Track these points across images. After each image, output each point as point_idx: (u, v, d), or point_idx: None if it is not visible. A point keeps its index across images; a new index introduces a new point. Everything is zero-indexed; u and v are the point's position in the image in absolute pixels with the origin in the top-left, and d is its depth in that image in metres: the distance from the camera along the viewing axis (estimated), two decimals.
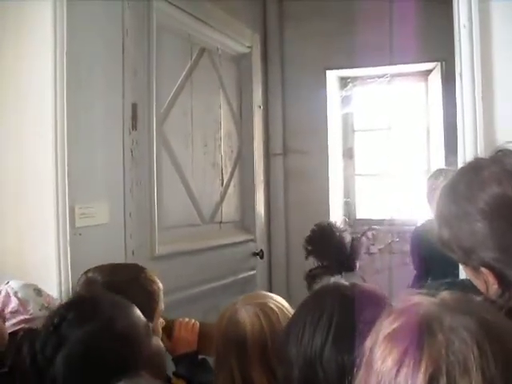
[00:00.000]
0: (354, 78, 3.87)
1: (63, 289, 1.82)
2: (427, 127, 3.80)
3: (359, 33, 3.30)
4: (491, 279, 0.93)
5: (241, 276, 3.16)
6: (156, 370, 1.14)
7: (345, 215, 3.84)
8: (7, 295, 1.49)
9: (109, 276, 1.51)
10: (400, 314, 0.67)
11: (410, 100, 3.89)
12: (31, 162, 1.89)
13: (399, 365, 0.61)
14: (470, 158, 1.14)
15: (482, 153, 1.12)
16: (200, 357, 1.62)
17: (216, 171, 3.04)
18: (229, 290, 2.89)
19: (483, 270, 0.94)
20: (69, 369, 1.00)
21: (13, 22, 1.91)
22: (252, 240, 3.34)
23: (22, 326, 1.40)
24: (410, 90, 3.90)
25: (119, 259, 1.99)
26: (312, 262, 2.39)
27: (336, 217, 3.46)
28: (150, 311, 1.39)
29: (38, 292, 1.54)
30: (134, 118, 2.26)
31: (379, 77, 3.74)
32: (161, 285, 1.56)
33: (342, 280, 1.79)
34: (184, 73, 2.75)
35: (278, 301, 1.35)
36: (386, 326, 0.66)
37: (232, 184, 3.20)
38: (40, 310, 1.48)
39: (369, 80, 3.81)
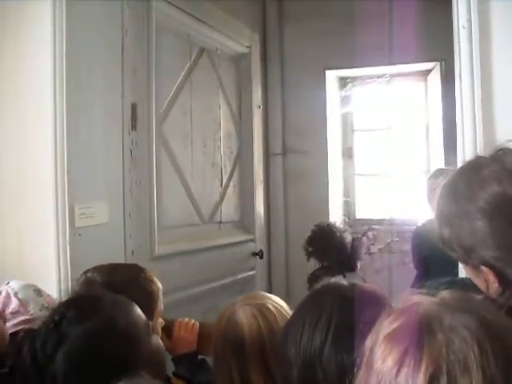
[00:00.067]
0: (354, 78, 3.87)
1: (63, 288, 1.82)
2: (427, 127, 3.80)
3: (359, 33, 3.30)
4: (491, 278, 0.93)
5: (240, 276, 3.16)
6: (156, 368, 1.14)
7: (344, 215, 3.84)
8: (7, 296, 1.49)
9: (108, 276, 1.51)
10: (400, 313, 0.67)
11: (409, 100, 3.89)
12: (31, 162, 1.89)
13: (399, 364, 0.61)
14: (469, 157, 1.14)
15: (481, 152, 1.11)
16: (199, 357, 1.62)
17: (215, 171, 3.04)
18: (228, 290, 2.89)
19: (483, 268, 0.94)
20: (69, 366, 1.00)
21: (12, 22, 1.91)
22: (251, 240, 3.34)
23: (23, 326, 1.40)
24: (409, 90, 3.90)
25: (119, 259, 1.99)
26: (313, 263, 2.40)
27: (335, 217, 3.47)
28: (149, 311, 1.39)
29: (38, 292, 1.54)
30: (134, 118, 2.26)
31: (379, 77, 3.74)
32: (160, 285, 1.56)
33: (342, 280, 1.79)
34: (183, 73, 2.75)
35: (276, 301, 1.35)
36: (386, 325, 0.66)
37: (231, 184, 3.20)
38: (40, 310, 1.48)
39: (368, 80, 3.81)
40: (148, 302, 1.46)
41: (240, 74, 3.34)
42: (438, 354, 0.59)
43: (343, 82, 3.89)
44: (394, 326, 0.65)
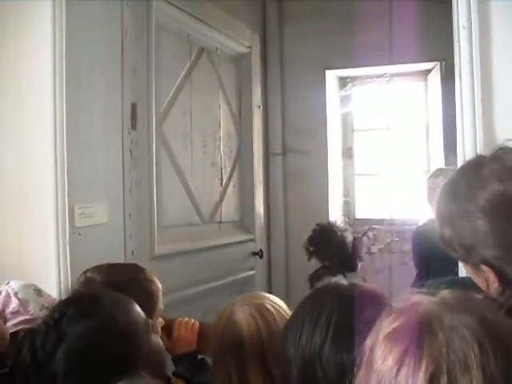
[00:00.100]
0: (354, 78, 3.87)
1: (63, 288, 1.82)
2: (427, 127, 3.80)
3: (359, 33, 3.30)
4: (492, 277, 0.93)
5: (240, 276, 3.16)
6: (156, 366, 1.14)
7: (344, 215, 3.84)
8: (7, 296, 1.49)
9: (108, 276, 1.50)
10: (400, 313, 0.67)
11: (409, 99, 3.89)
12: (31, 162, 1.89)
13: (400, 364, 0.61)
14: (469, 157, 1.14)
15: (481, 152, 1.11)
16: (199, 356, 1.62)
17: (215, 171, 3.04)
18: (228, 290, 2.89)
19: (484, 267, 0.94)
20: (69, 364, 1.01)
21: (12, 22, 1.91)
22: (251, 240, 3.34)
23: (23, 326, 1.40)
24: (409, 90, 3.90)
25: (119, 259, 1.99)
26: (313, 263, 2.39)
27: (335, 216, 3.46)
28: (149, 311, 1.38)
29: (39, 292, 1.54)
30: (134, 117, 2.26)
31: (378, 76, 3.74)
32: (160, 285, 1.56)
33: (342, 280, 1.79)
34: (183, 73, 2.75)
35: (275, 301, 1.35)
36: (386, 325, 0.66)
37: (231, 184, 3.20)
38: (40, 310, 1.47)
39: (368, 80, 3.81)
40: (148, 301, 1.46)
41: (240, 73, 3.34)
42: (438, 354, 0.59)
43: (343, 81, 3.89)
44: (394, 325, 0.65)
